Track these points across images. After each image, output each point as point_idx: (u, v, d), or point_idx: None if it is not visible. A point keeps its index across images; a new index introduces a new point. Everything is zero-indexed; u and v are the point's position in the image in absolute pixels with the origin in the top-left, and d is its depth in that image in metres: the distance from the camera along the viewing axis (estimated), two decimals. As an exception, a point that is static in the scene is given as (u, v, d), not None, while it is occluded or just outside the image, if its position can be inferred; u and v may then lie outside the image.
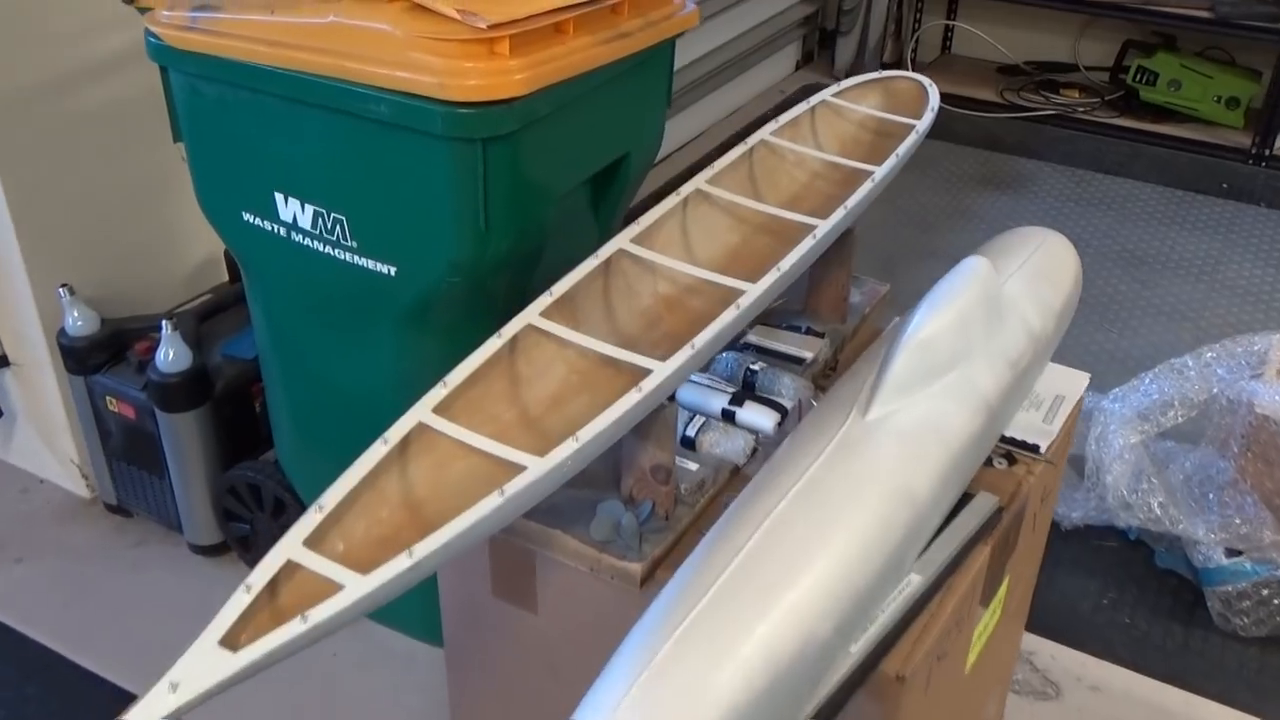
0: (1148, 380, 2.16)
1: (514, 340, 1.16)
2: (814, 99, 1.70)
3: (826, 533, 1.09)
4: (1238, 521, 1.96)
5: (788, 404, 1.36)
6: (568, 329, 1.19)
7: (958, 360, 1.30)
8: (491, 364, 1.13)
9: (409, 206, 1.41)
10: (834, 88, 1.74)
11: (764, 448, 1.34)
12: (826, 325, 1.56)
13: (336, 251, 1.50)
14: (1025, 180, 3.57)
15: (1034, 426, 1.40)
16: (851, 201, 1.43)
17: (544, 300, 1.20)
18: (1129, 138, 3.85)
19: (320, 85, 1.38)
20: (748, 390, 1.40)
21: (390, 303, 1.51)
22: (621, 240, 1.31)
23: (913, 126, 1.66)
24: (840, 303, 1.57)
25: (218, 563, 2.03)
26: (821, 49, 4.57)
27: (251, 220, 1.56)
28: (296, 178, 1.49)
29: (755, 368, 1.42)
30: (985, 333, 1.35)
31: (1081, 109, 3.99)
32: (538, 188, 1.48)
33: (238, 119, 1.49)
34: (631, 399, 1.06)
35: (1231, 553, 1.97)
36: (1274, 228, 3.31)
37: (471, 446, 1.02)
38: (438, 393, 1.07)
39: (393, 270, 1.47)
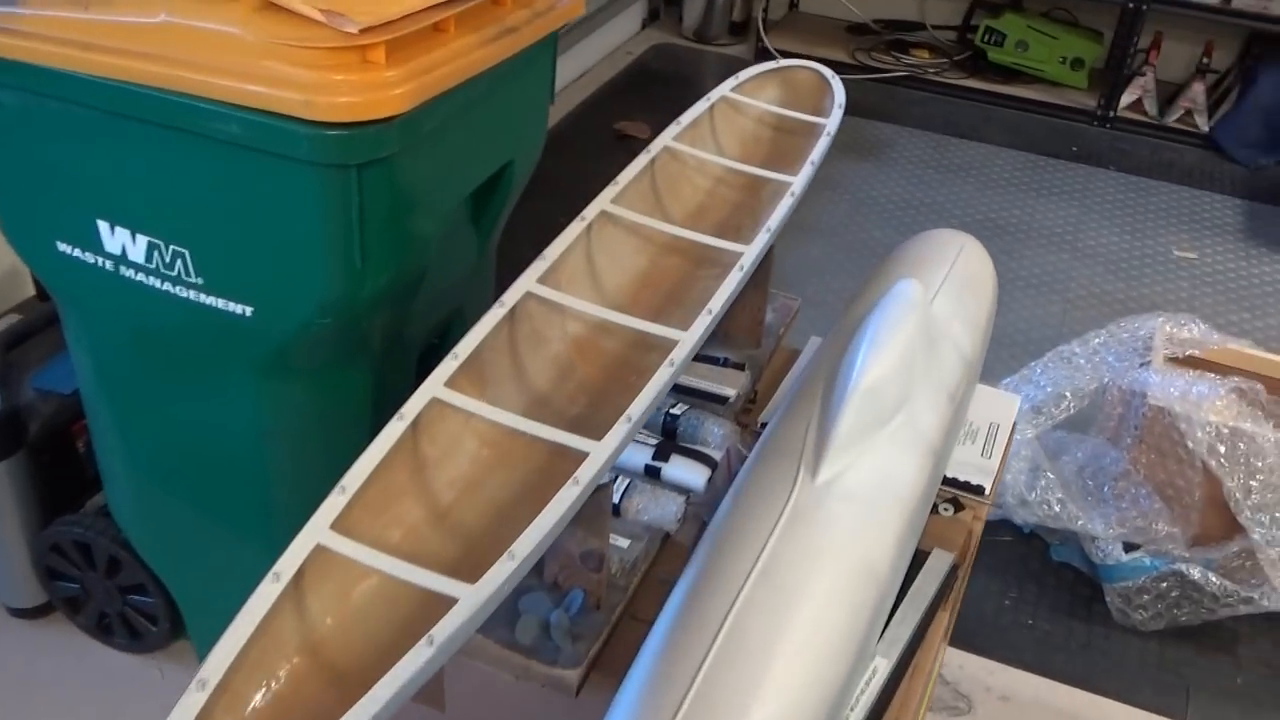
0: (1038, 370, 2.12)
1: (416, 420, 0.98)
2: (713, 95, 1.55)
3: (792, 629, 0.96)
4: (1133, 514, 1.94)
5: (716, 454, 1.22)
6: (475, 400, 1.01)
7: (902, 402, 1.18)
8: (394, 452, 0.94)
9: (267, 240, 1.20)
10: (731, 81, 1.59)
11: (694, 505, 1.20)
12: (743, 351, 1.43)
13: (178, 289, 1.27)
14: (884, 146, 3.52)
15: (973, 463, 1.31)
16: (774, 222, 1.29)
17: (448, 366, 1.02)
18: (980, 100, 3.84)
19: (150, 98, 1.14)
20: (670, 440, 1.25)
21: (246, 347, 1.29)
22: (528, 281, 1.14)
23: (820, 127, 1.53)
24: (756, 326, 1.44)
25: (42, 626, 1.77)
26: (668, 6, 4.40)
27: (69, 251, 1.31)
28: (125, 204, 1.25)
29: (676, 412, 1.27)
30: (924, 366, 1.24)
31: (932, 70, 3.96)
32: (421, 212, 1.29)
33: (47, 135, 1.23)
34: (569, 496, 0.90)
35: (1129, 546, 1.95)
36: (1124, 192, 3.36)
37: (383, 572, 0.84)
38: (335, 502, 0.88)
39: (248, 311, 1.25)
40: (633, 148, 3.78)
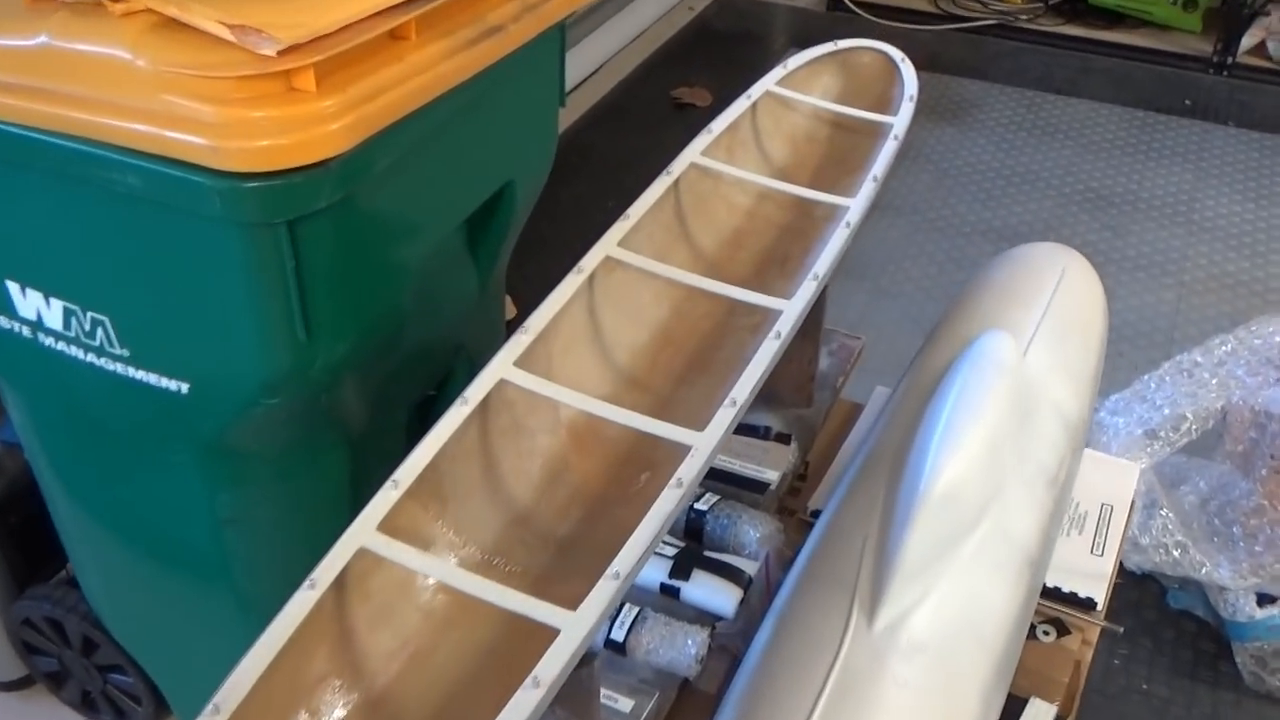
0: (1153, 386, 1.82)
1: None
2: (754, 89, 1.28)
3: None
4: (1269, 559, 1.64)
5: (751, 564, 0.98)
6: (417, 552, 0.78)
7: (988, 503, 0.92)
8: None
9: (191, 308, 0.97)
10: (778, 71, 1.32)
11: (721, 636, 0.95)
12: (789, 412, 1.17)
13: (103, 361, 1.05)
14: (970, 106, 3.18)
15: (1081, 565, 1.04)
16: (822, 266, 1.02)
17: (389, 496, 0.78)
18: (1079, 48, 3.46)
19: (35, 142, 0.92)
20: (695, 545, 1.01)
21: (187, 427, 1.08)
22: (501, 366, 0.89)
23: (886, 126, 1.25)
24: (807, 382, 1.18)
25: (27, 697, 1.61)
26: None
27: (-18, 314, 1.11)
28: (31, 263, 1.04)
29: (702, 506, 1.03)
30: (1016, 449, 0.98)
31: (1024, 16, 3.58)
32: (386, 263, 1.05)
33: (-69, 182, 1.02)
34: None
35: (1264, 599, 1.65)
36: (1245, 151, 2.98)
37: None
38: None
39: (184, 388, 1.03)
40: (691, 117, 3.50)
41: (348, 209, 0.94)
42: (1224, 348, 1.81)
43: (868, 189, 1.13)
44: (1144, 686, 1.67)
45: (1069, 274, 1.23)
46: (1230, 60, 3.33)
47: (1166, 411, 1.75)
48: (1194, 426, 1.75)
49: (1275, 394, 1.69)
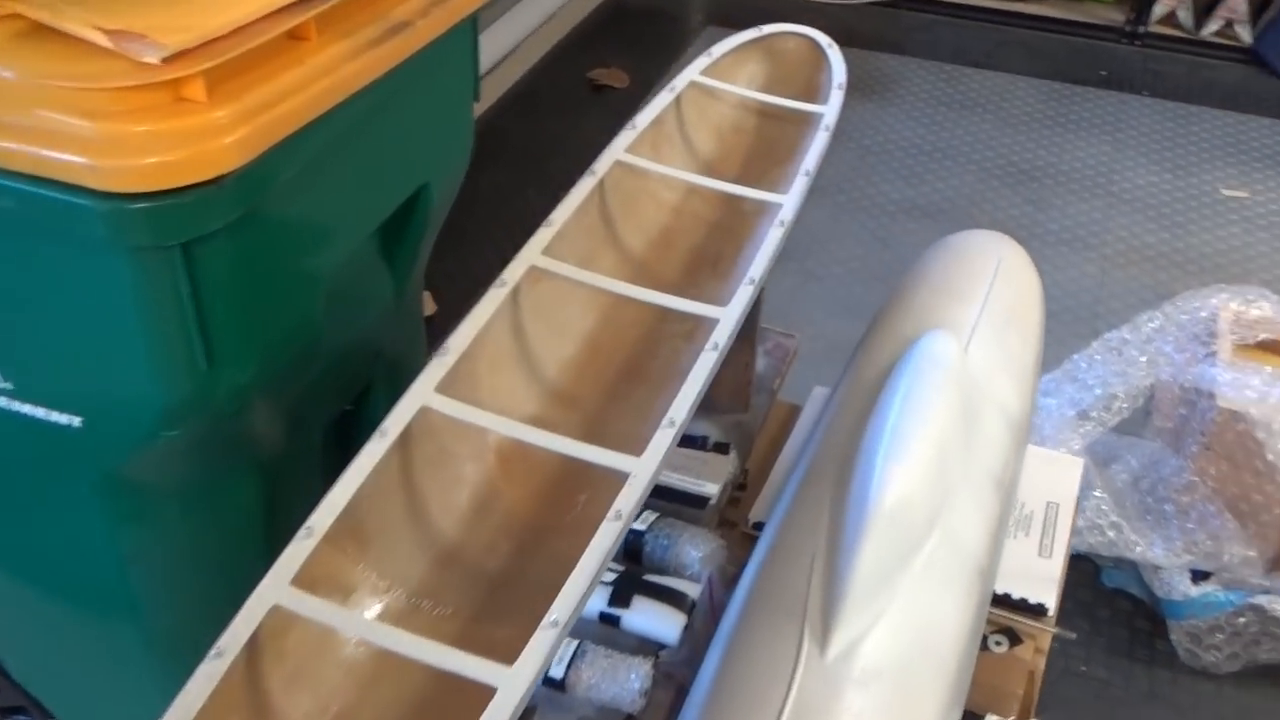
0: (1083, 366, 1.81)
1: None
2: (678, 80, 1.22)
3: None
4: (1202, 536, 1.65)
5: (694, 587, 0.93)
6: (333, 606, 0.72)
7: (936, 515, 0.89)
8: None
9: (81, 338, 0.90)
10: (702, 59, 1.26)
11: (666, 665, 0.91)
12: (726, 419, 1.13)
13: (-14, 395, 0.97)
14: (889, 82, 3.16)
15: (1030, 568, 1.02)
16: (758, 269, 0.98)
17: (304, 546, 0.72)
18: (993, 20, 3.46)
19: (-105, 163, 0.83)
20: (634, 567, 0.96)
21: (84, 463, 1.00)
22: (422, 392, 0.83)
23: (816, 116, 1.20)
24: (744, 387, 1.14)
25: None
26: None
27: None
28: (-101, 290, 0.95)
29: (640, 526, 0.98)
30: (963, 454, 0.95)
31: (939, -13, 3.58)
32: (292, 280, 0.98)
33: None
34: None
35: (1197, 575, 1.66)
36: (1161, 120, 3.01)
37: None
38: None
39: (76, 421, 0.96)
40: (609, 99, 3.43)
41: (248, 226, 0.87)
42: (1151, 324, 1.81)
43: (800, 184, 1.08)
44: (1082, 668, 1.67)
45: (1005, 264, 1.20)
46: (1142, 30, 3.35)
47: (1098, 392, 1.74)
48: (1125, 405, 1.75)
49: (1203, 371, 1.69)
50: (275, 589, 0.69)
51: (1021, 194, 2.67)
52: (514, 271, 0.94)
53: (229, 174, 0.82)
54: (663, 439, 0.81)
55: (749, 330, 1.09)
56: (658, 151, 1.17)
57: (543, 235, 0.99)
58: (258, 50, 0.85)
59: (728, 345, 0.91)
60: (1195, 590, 1.63)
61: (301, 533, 0.73)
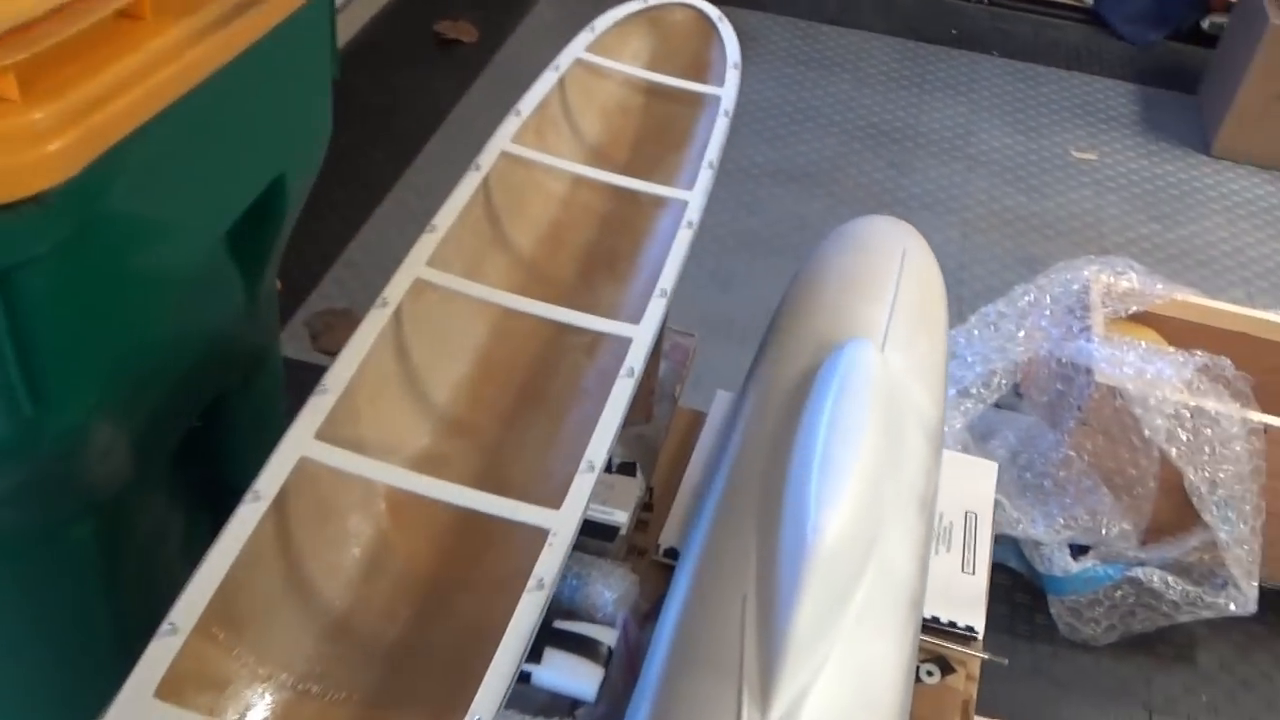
0: (961, 342, 1.80)
1: None
2: (561, 59, 1.11)
3: None
4: (1080, 511, 1.66)
5: (608, 635, 0.85)
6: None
7: (871, 547, 0.83)
8: None
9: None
10: (585, 35, 1.15)
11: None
12: (629, 432, 1.04)
13: None
14: (747, 39, 3.08)
15: (953, 586, 0.97)
16: (669, 280, 0.89)
17: (168, 645, 0.60)
18: (846, -25, 3.42)
19: None
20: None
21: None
22: (300, 440, 0.71)
23: (712, 99, 1.12)
24: (647, 397, 1.05)
25: None
26: None
27: None
28: None
29: (546, 567, 0.88)
30: (892, 476, 0.89)
31: (791, -59, 3.51)
32: (130, 302, 0.84)
33: None
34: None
35: (1077, 550, 1.67)
36: (1011, 81, 3.03)
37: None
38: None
39: None
40: (458, 54, 3.26)
41: (78, 247, 0.73)
42: (1026, 298, 1.81)
43: (705, 179, 1.00)
44: (969, 648, 1.66)
45: (909, 257, 1.14)
46: (991, -12, 3.37)
47: (978, 369, 1.73)
48: (1003, 381, 1.74)
49: (1080, 346, 1.69)
50: (136, 700, 0.57)
51: (884, 156, 2.65)
52: (396, 287, 0.83)
53: (53, 189, 0.68)
54: (582, 486, 0.72)
55: (655, 341, 1.00)
56: (543, 139, 1.06)
57: (426, 243, 0.87)
58: (82, 35, 0.70)
59: (643, 368, 0.82)
60: (1076, 566, 1.64)
61: (164, 629, 0.61)
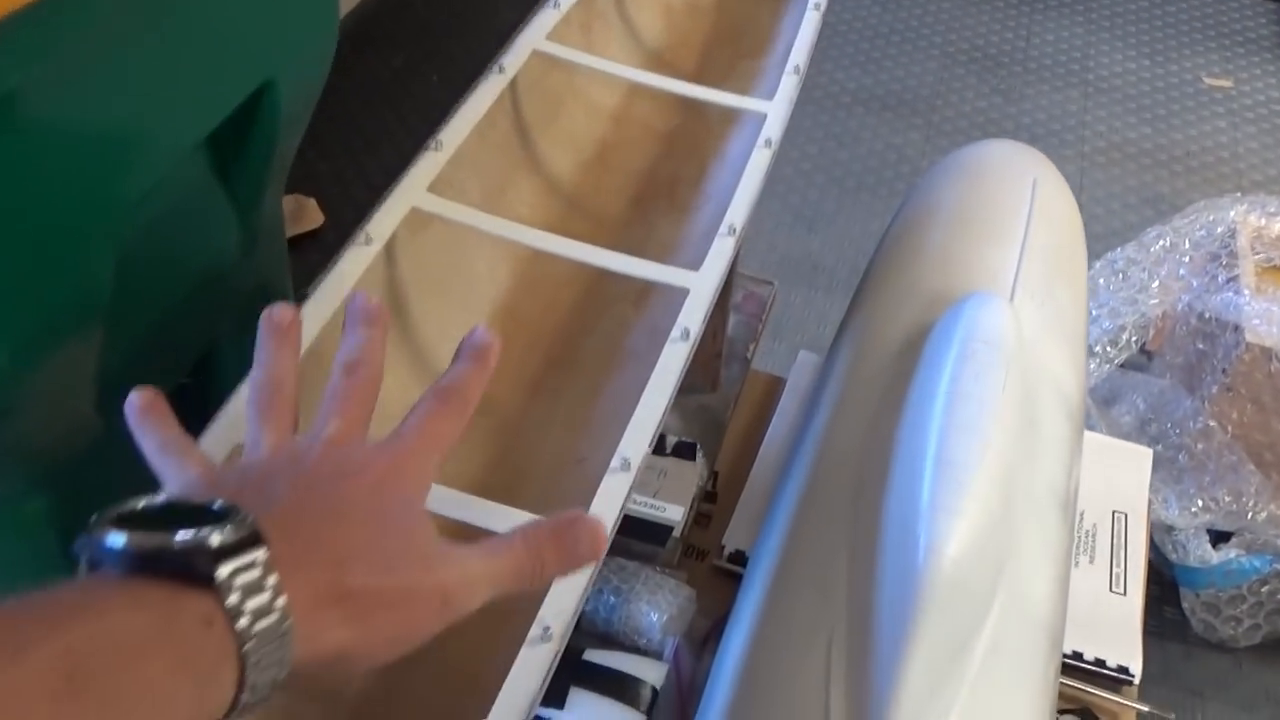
0: (1085, 291, 1.56)
1: None
2: (616, -64, 0.91)
3: None
4: (1221, 491, 1.43)
5: (653, 670, 0.66)
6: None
7: (1001, 569, 0.63)
8: None
9: None
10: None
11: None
12: (690, 402, 0.85)
13: None
14: (838, -48, 2.83)
15: (1100, 611, 0.76)
16: (739, 215, 0.68)
17: None
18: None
19: None
20: (571, 641, 0.68)
21: None
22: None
23: (802, -8, 0.90)
24: (713, 360, 0.85)
25: None
26: None
27: None
28: None
29: (577, 580, 0.69)
30: (1027, 473, 0.68)
31: None
32: (61, 231, 0.66)
33: None
34: None
35: (1217, 536, 1.44)
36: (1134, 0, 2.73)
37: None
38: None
39: None
40: None
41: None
42: (1161, 242, 1.56)
43: (788, 86, 0.79)
44: (1084, 645, 1.45)
45: (1041, 188, 0.93)
46: (1112, -103, 3.04)
47: (1106, 324, 1.50)
48: (1134, 339, 1.51)
49: (1227, 299, 1.45)
50: None
51: (989, 83, 2.39)
52: (386, 220, 0.64)
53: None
54: (617, 487, 0.53)
55: (722, 291, 0.80)
56: (589, 38, 0.86)
57: (428, 164, 0.68)
58: None
59: (702, 328, 0.62)
60: (1216, 556, 1.41)
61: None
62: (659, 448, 0.79)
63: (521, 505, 0.51)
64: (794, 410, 0.86)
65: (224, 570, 0.32)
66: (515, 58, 0.76)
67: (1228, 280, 1.47)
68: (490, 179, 0.75)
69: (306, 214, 1.97)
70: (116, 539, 0.33)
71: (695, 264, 0.65)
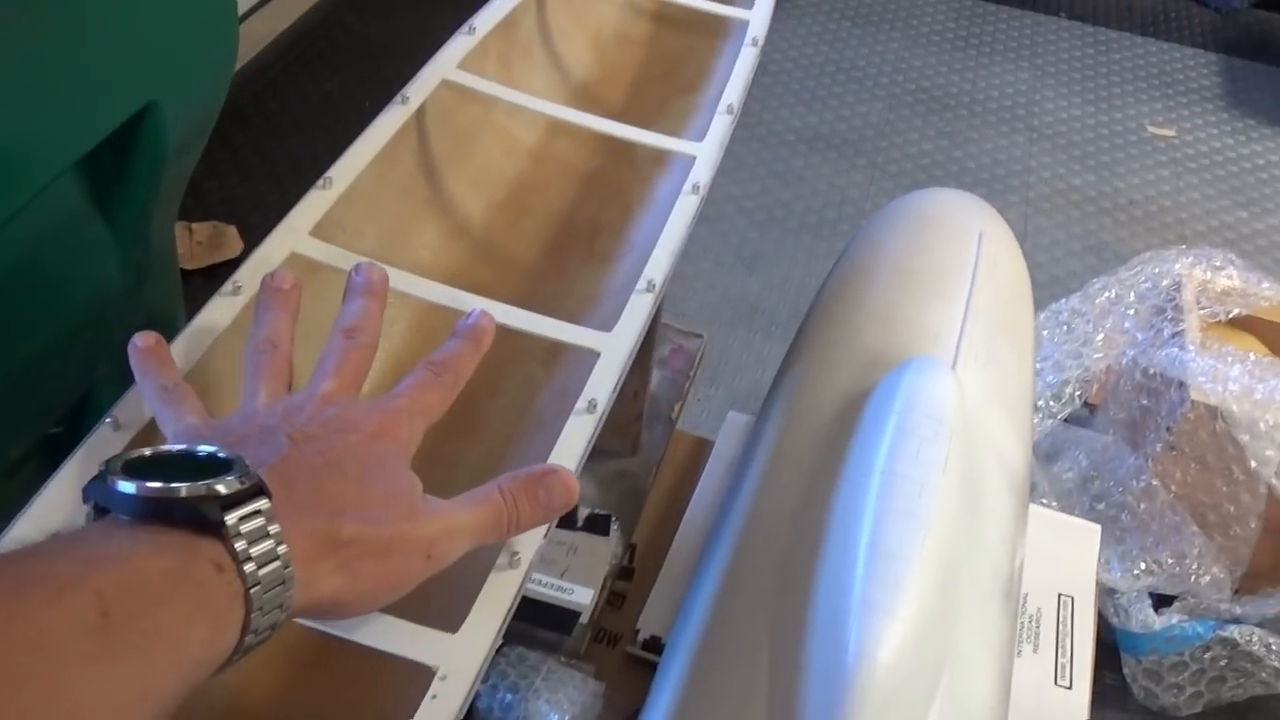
0: (1029, 342, 1.52)
1: None
2: (542, -35, 0.84)
3: None
4: (1165, 555, 1.38)
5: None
6: None
7: (940, 670, 0.57)
8: None
9: None
10: (577, -66, 0.88)
11: None
12: (606, 468, 0.78)
13: None
14: (786, -12, 2.80)
15: (1045, 708, 0.70)
16: (660, 270, 0.62)
17: None
18: (900, -75, 3.11)
19: None
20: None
21: None
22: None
23: (737, 25, 0.84)
24: (633, 422, 0.78)
25: None
26: None
27: None
28: None
29: (469, 672, 0.62)
30: (969, 557, 0.62)
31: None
32: None
33: None
34: None
35: (1160, 600, 1.40)
36: (1081, 46, 2.72)
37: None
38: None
39: None
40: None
41: None
42: (1106, 294, 1.53)
43: (719, 128, 0.73)
44: (1023, 711, 1.39)
45: (987, 243, 0.87)
46: (1058, -56, 3.05)
47: (1050, 378, 1.45)
48: (1078, 393, 1.47)
49: (1170, 354, 1.41)
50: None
51: (935, 125, 2.36)
52: (261, 266, 0.57)
53: None
54: (505, 583, 0.46)
55: (643, 347, 0.73)
56: (509, 68, 0.79)
57: (314, 203, 0.61)
58: None
59: (612, 396, 0.55)
60: (1158, 621, 1.36)
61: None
62: (569, 521, 0.72)
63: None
64: (721, 477, 0.80)
65: (232, 518, 0.35)
66: (421, 87, 0.69)
67: (1173, 335, 1.44)
68: (389, 221, 0.68)
69: (225, 242, 1.88)
70: (127, 486, 0.34)
71: (612, 321, 0.59)
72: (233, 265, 0.59)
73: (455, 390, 0.48)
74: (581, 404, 0.53)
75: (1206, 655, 1.36)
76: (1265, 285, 1.52)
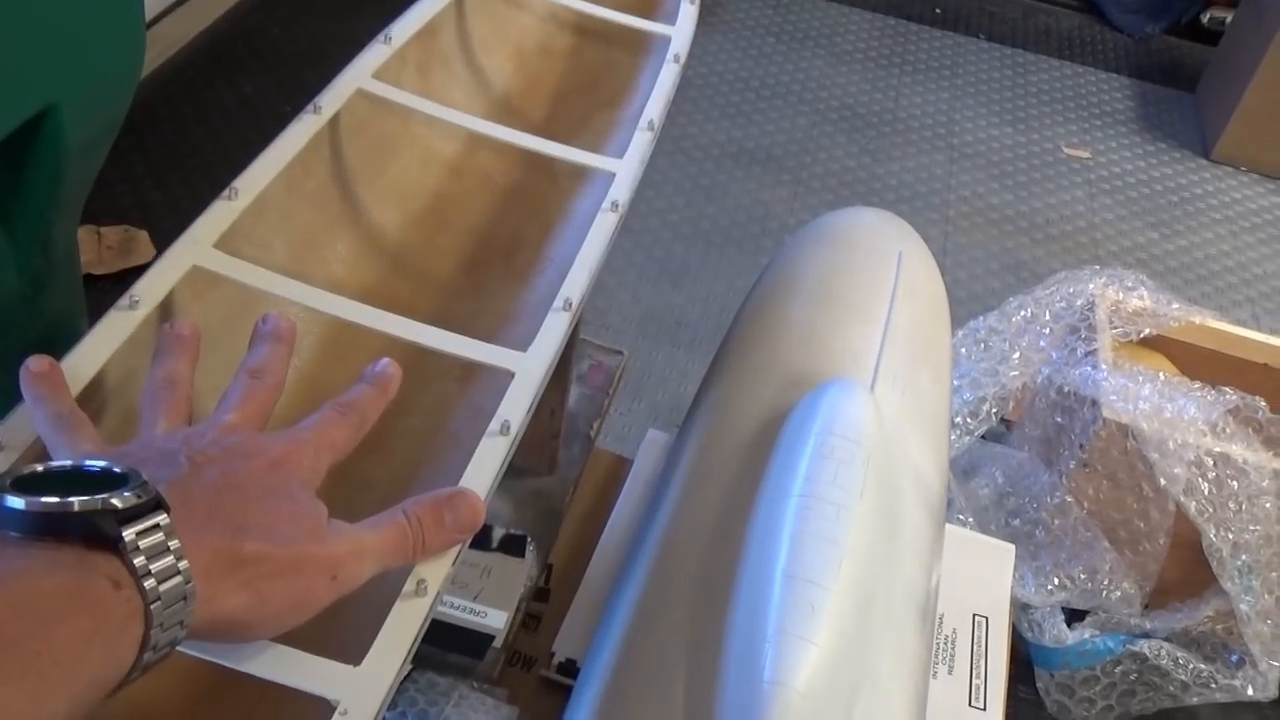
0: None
1: None
2: (462, -28, 0.83)
3: None
4: (1078, 570, 1.41)
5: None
6: None
7: (857, 691, 0.56)
8: None
9: None
10: (500, -53, 0.87)
11: None
12: (522, 486, 0.76)
13: None
14: (713, 4, 2.81)
15: (962, 729, 0.70)
16: (577, 287, 0.61)
17: None
18: (825, -56, 3.15)
19: None
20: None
21: None
22: None
23: (659, 41, 0.84)
24: (550, 440, 0.77)
25: None
26: None
27: None
28: None
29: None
30: (886, 580, 0.62)
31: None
32: None
33: None
34: None
35: (1073, 615, 1.42)
36: (999, 68, 2.78)
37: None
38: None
39: None
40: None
41: None
42: (1022, 312, 1.55)
43: (640, 144, 0.72)
44: (940, 726, 1.41)
45: (907, 264, 0.88)
46: (978, -33, 3.11)
47: (967, 395, 1.47)
48: (994, 410, 1.49)
49: (1084, 373, 1.43)
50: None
51: (858, 142, 2.39)
52: (161, 280, 0.55)
53: None
54: (412, 611, 0.44)
55: (561, 364, 0.72)
56: (427, 78, 0.78)
57: (218, 214, 0.59)
58: None
59: (526, 418, 0.54)
60: (1071, 636, 1.39)
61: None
62: (483, 541, 0.70)
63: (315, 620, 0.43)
64: (639, 497, 0.79)
65: (129, 532, 0.34)
66: (335, 96, 0.68)
67: (1086, 354, 1.47)
68: (300, 234, 0.66)
69: (137, 247, 1.82)
70: (17, 501, 0.33)
71: (528, 340, 0.58)
72: (143, 271, 0.57)
73: (361, 431, 0.48)
74: (495, 425, 0.52)
75: (1117, 669, 1.38)
76: (1175, 306, 1.56)
